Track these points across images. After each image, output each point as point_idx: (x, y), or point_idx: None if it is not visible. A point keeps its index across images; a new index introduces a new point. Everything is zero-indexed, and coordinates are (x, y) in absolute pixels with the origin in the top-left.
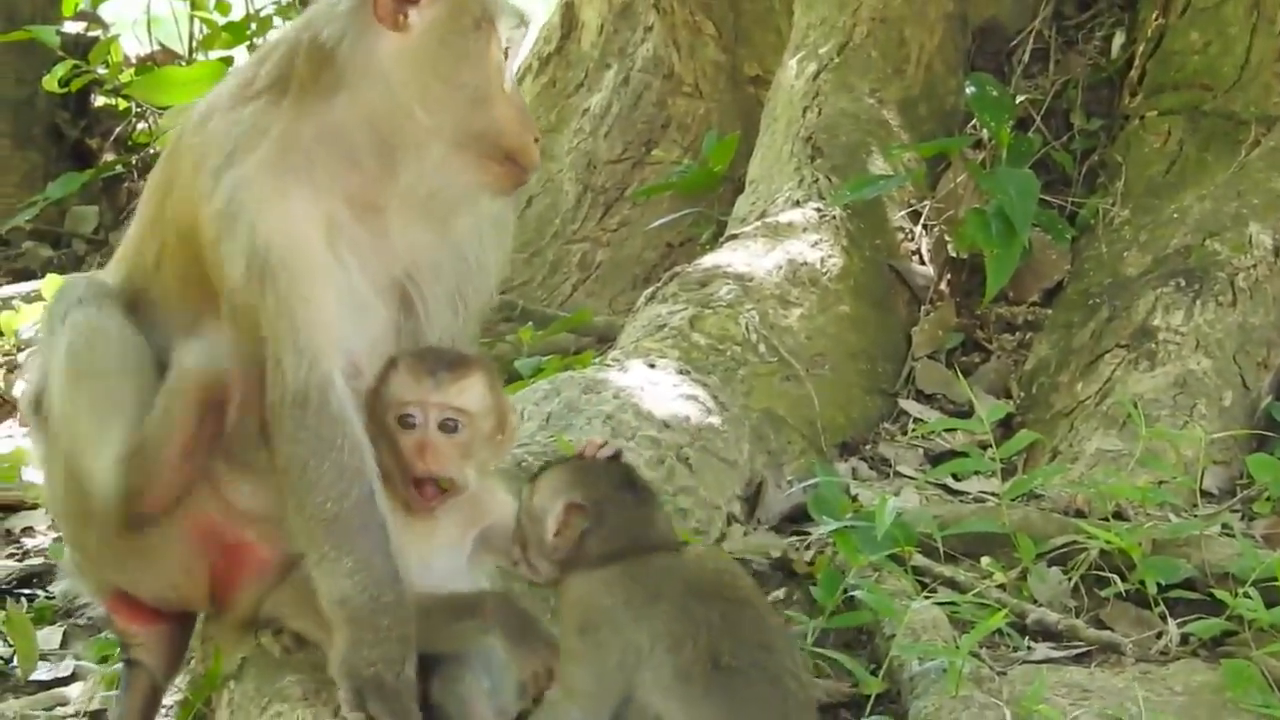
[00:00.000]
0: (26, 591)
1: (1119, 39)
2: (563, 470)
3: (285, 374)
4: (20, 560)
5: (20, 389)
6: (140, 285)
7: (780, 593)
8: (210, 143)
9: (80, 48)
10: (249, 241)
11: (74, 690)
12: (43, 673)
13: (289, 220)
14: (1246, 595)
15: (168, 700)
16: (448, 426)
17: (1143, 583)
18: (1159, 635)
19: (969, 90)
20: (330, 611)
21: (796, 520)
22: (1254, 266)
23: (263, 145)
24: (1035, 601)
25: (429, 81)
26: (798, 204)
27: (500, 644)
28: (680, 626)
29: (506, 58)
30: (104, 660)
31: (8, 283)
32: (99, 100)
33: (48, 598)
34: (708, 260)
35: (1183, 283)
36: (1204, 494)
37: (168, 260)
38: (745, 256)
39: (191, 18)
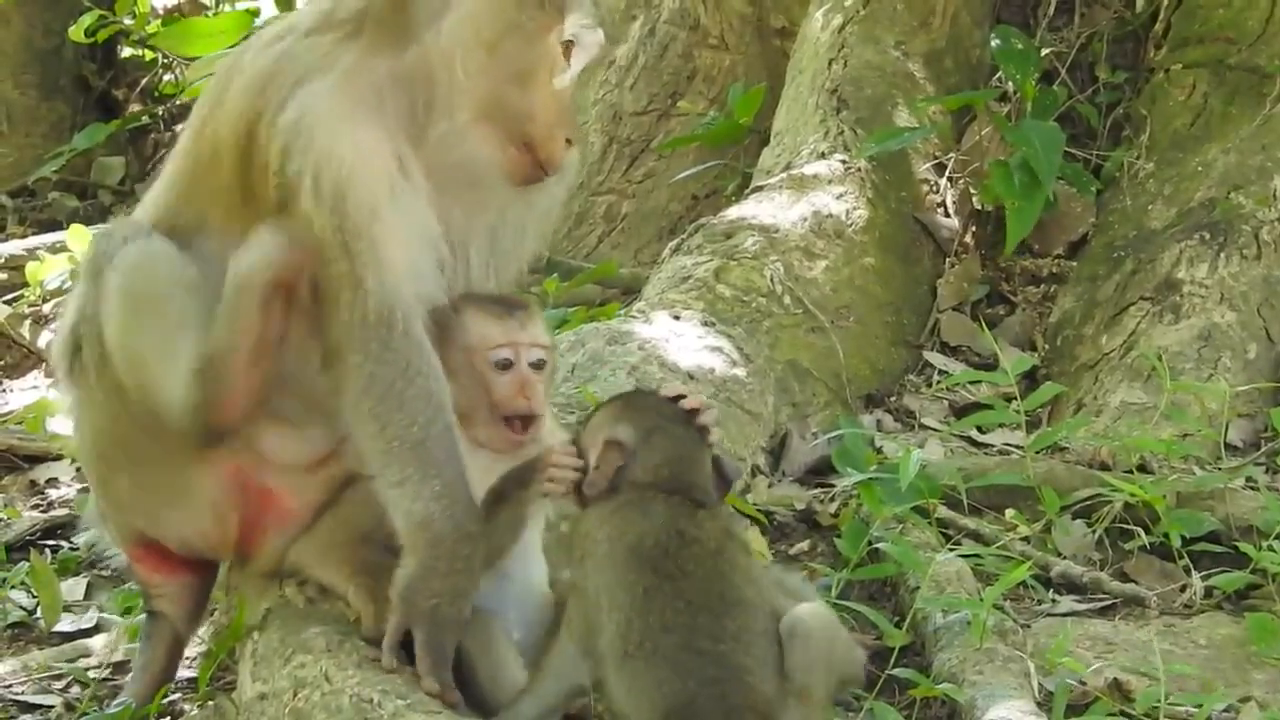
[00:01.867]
0: (50, 543)
1: None
2: (613, 406)
3: (368, 294)
4: (44, 511)
5: (47, 340)
6: (181, 214)
7: (804, 545)
8: (281, 62)
9: None
10: (321, 157)
11: (97, 642)
12: (66, 624)
13: (362, 144)
14: (1271, 548)
15: (190, 651)
16: (537, 364)
17: (1167, 536)
18: (1183, 588)
19: (994, 43)
20: (410, 534)
21: (821, 472)
22: (1278, 219)
23: (336, 71)
24: (1059, 554)
25: (476, 45)
26: (823, 156)
27: None
28: (613, 591)
29: (567, 53)
30: (127, 612)
31: (33, 233)
32: (125, 51)
33: (71, 549)
34: (733, 212)
35: (1207, 235)
36: (1228, 447)
37: (212, 178)
38: (770, 208)
39: None
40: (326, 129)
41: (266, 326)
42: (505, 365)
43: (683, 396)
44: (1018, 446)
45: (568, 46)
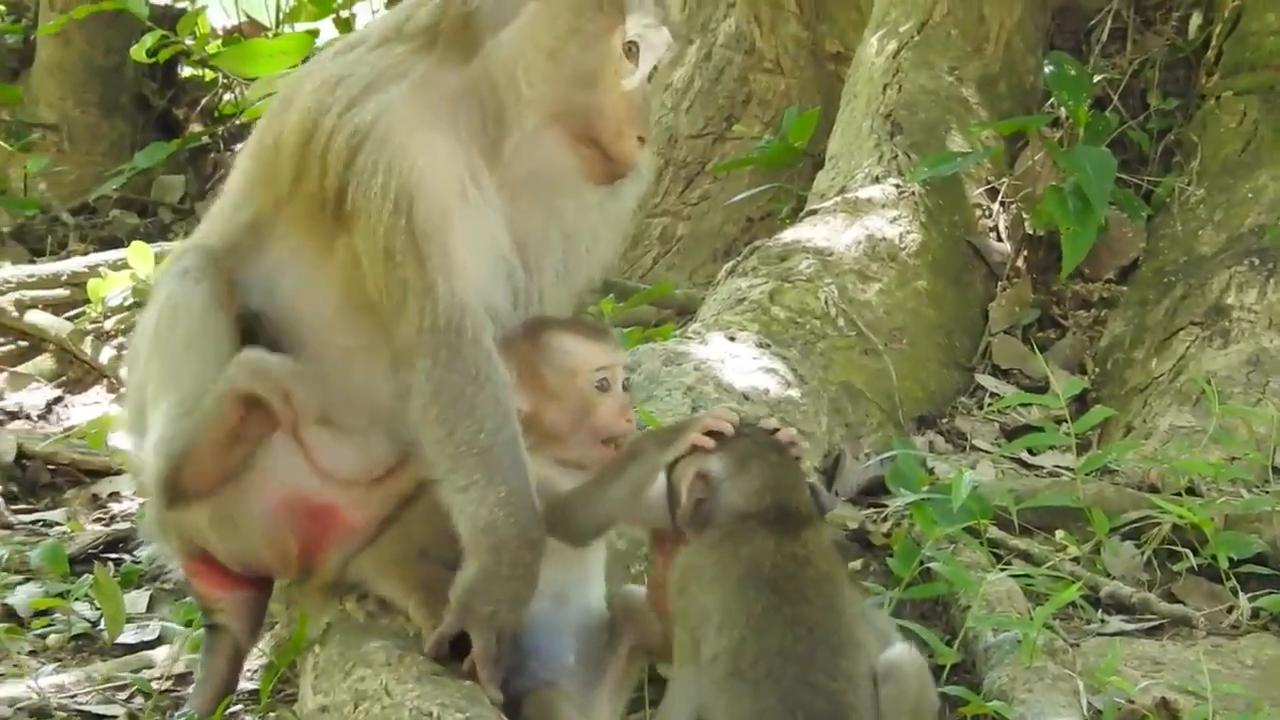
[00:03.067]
0: (113, 556)
1: (1196, 19)
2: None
3: (438, 300)
4: (107, 525)
5: (109, 356)
6: (235, 218)
7: (857, 564)
8: (353, 69)
9: (168, 18)
10: (394, 159)
11: (160, 653)
12: (129, 635)
13: (435, 150)
14: None
15: (251, 663)
16: (626, 385)
17: (1214, 557)
18: (1230, 609)
19: (1047, 69)
20: (473, 539)
21: (873, 492)
22: None
23: (409, 80)
24: (1109, 575)
25: (538, 52)
26: (877, 180)
27: None
28: (727, 607)
29: (633, 53)
30: (189, 624)
31: (95, 250)
32: (186, 71)
33: (134, 562)
34: (787, 235)
35: (1256, 261)
36: (1276, 470)
37: (270, 173)
38: (825, 231)
39: None
40: (400, 132)
41: (238, 433)
42: (605, 387)
43: (778, 429)
44: (1068, 468)
45: (632, 47)
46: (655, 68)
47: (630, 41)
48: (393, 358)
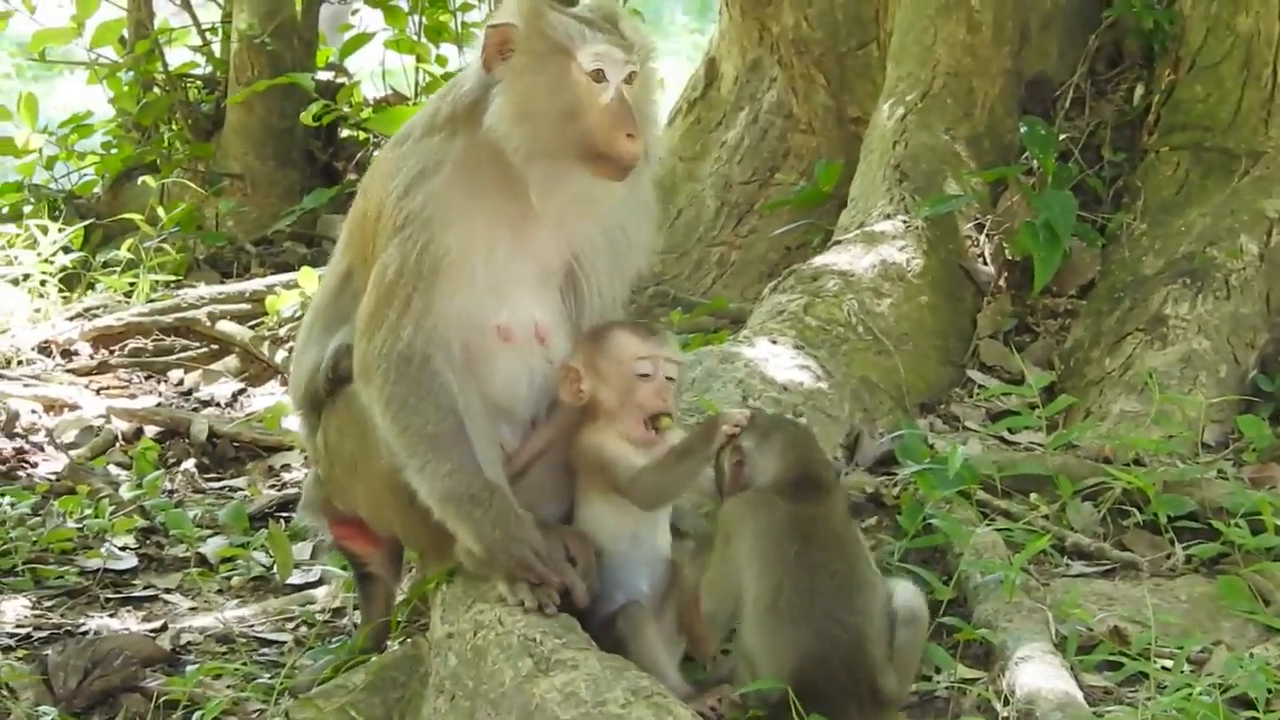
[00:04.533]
0: (284, 514)
1: (1139, 90)
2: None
3: (400, 338)
4: (279, 490)
5: (281, 357)
6: (340, 269)
7: (873, 520)
8: (405, 160)
9: (330, 91)
10: (430, 242)
11: (320, 592)
12: (296, 577)
13: (462, 231)
14: (1237, 525)
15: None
16: (671, 375)
17: (1156, 515)
18: (1168, 556)
19: (1022, 129)
20: (439, 509)
21: (886, 464)
22: (1244, 269)
23: (445, 168)
24: (1072, 529)
25: (520, 110)
26: (888, 217)
27: None
28: (767, 556)
29: (599, 75)
30: (344, 568)
31: (271, 274)
32: (344, 132)
33: (301, 523)
34: (818, 261)
35: (1188, 281)
36: (1204, 446)
37: (355, 241)
38: (847, 258)
39: (417, 68)
40: (439, 220)
41: None
42: (646, 375)
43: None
44: (1039, 444)
45: (596, 73)
46: (632, 72)
47: (591, 70)
48: (357, 368)
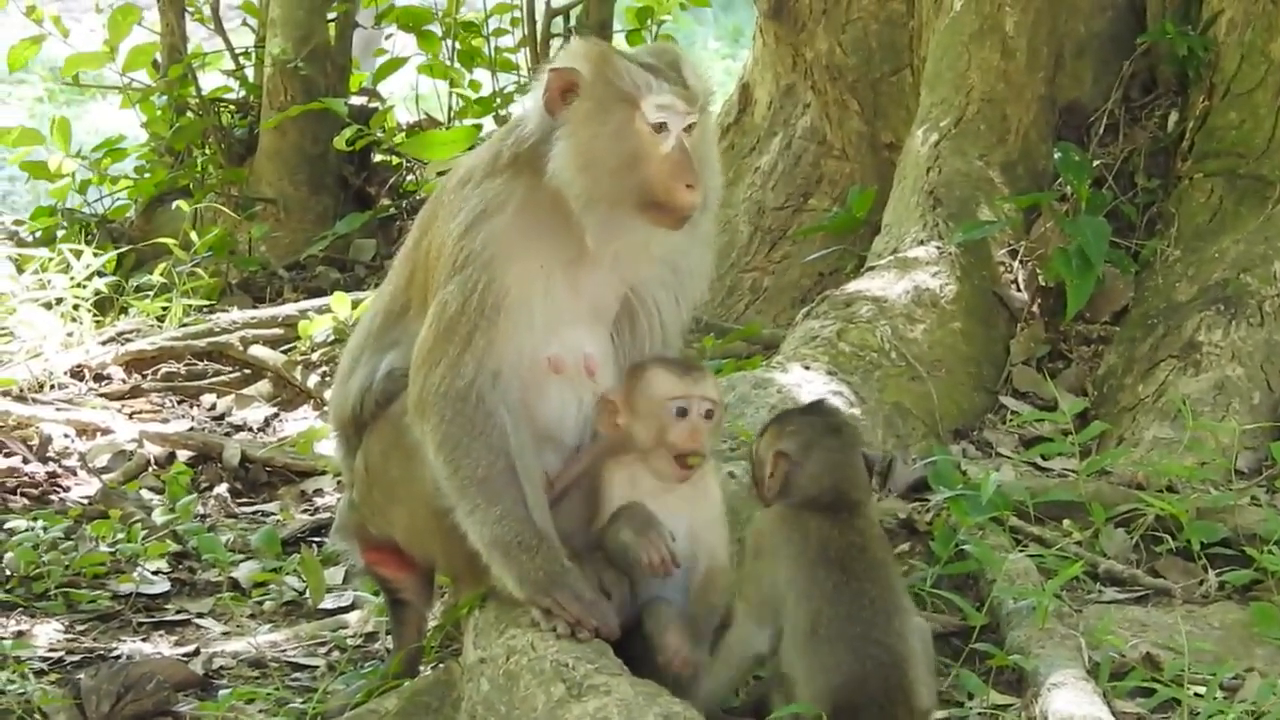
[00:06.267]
0: (317, 539)
1: (1174, 117)
2: (781, 421)
3: (460, 375)
4: (312, 515)
5: (314, 381)
6: (397, 298)
7: (905, 546)
8: (468, 200)
9: (363, 115)
10: (490, 281)
11: (353, 616)
12: (329, 602)
13: (521, 272)
14: (1270, 552)
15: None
16: (707, 414)
17: (1189, 541)
18: (1201, 583)
19: (1056, 155)
20: (486, 552)
21: (919, 489)
22: (1277, 295)
23: (507, 210)
24: (1105, 555)
25: (583, 159)
26: (922, 243)
27: (627, 533)
28: (805, 583)
29: (661, 127)
30: (376, 593)
31: (304, 298)
32: (377, 157)
33: (334, 548)
34: (851, 286)
35: (1222, 307)
36: (1237, 472)
37: (416, 278)
38: (880, 283)
39: (450, 93)
40: (500, 259)
41: None
42: (682, 413)
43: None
44: (1072, 470)
45: (660, 124)
46: (693, 122)
47: (655, 122)
48: (412, 406)
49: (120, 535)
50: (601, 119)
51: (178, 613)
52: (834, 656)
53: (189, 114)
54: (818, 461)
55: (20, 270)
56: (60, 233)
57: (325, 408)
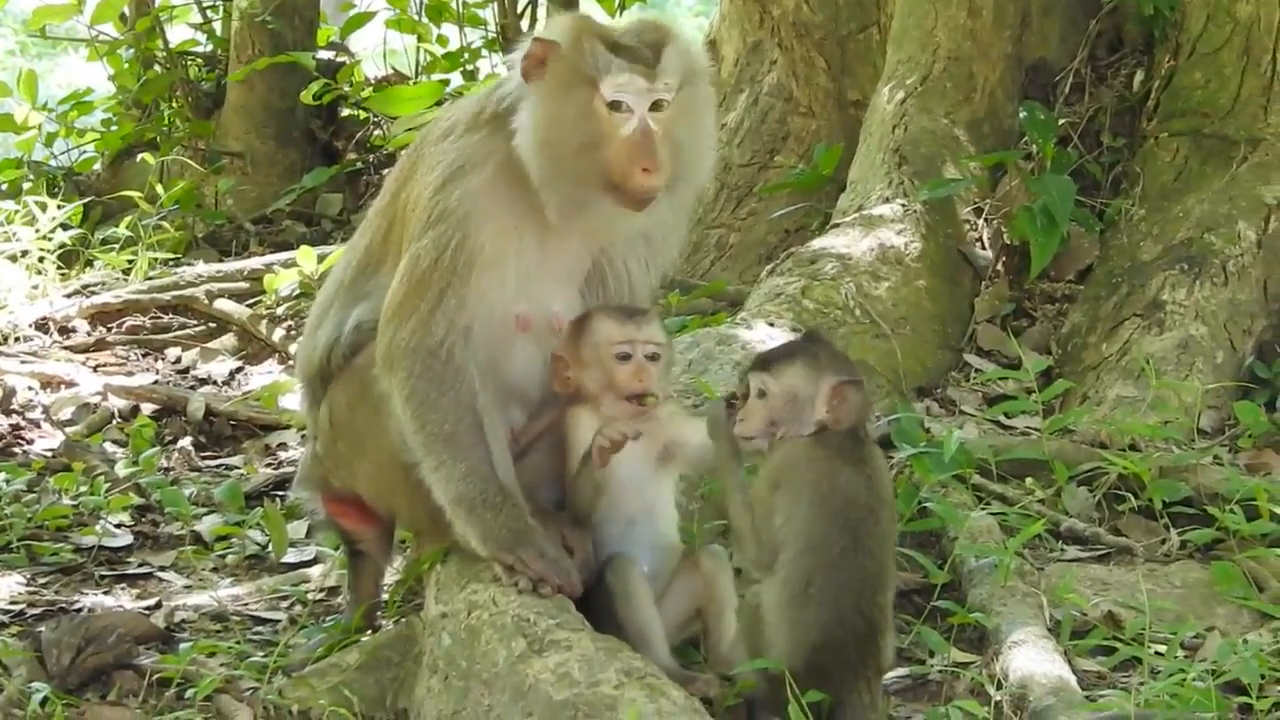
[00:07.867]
0: (280, 493)
1: (1139, 76)
2: (805, 354)
3: (432, 329)
4: (275, 469)
5: (279, 335)
6: (372, 250)
7: None
8: (446, 155)
9: (330, 70)
10: (464, 237)
11: (315, 571)
12: (291, 557)
13: (493, 226)
14: (1232, 511)
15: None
16: (652, 356)
17: (1151, 500)
18: (1163, 541)
19: (1022, 114)
20: (450, 509)
21: (883, 446)
22: (1241, 255)
23: (483, 167)
24: (1067, 513)
25: (542, 137)
26: (887, 201)
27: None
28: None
29: (621, 107)
30: (338, 547)
31: (270, 252)
32: (344, 111)
33: (296, 498)
34: (816, 244)
35: (1186, 267)
36: (1200, 431)
37: (394, 232)
38: (845, 241)
39: (418, 48)
40: (476, 216)
41: None
42: (625, 357)
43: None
44: (1036, 429)
45: (618, 104)
46: (660, 100)
47: (613, 101)
48: (380, 359)
49: (83, 488)
50: (562, 99)
51: (140, 566)
52: (819, 616)
53: (156, 67)
54: (861, 390)
55: None
56: (26, 185)
57: (290, 362)
